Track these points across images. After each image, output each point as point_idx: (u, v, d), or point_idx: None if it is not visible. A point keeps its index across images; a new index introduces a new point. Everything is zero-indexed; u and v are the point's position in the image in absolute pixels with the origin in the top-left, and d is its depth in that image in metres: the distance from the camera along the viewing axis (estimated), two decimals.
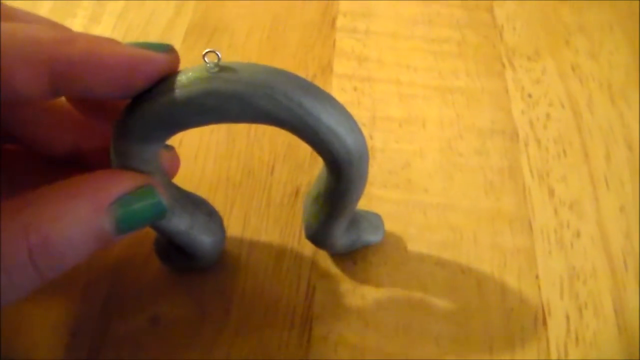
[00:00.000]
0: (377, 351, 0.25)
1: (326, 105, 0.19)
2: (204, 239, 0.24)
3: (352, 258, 0.27)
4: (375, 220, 0.27)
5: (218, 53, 0.18)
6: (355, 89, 0.34)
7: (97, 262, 0.27)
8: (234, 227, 0.28)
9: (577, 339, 0.25)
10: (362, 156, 0.21)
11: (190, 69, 0.19)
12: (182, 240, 0.24)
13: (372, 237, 0.27)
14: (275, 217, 0.29)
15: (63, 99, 0.24)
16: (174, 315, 0.26)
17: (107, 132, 0.22)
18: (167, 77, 0.19)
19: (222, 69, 0.18)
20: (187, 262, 0.26)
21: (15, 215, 0.17)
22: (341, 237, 0.26)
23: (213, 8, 0.38)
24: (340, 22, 0.37)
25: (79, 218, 0.18)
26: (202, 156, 0.31)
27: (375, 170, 0.30)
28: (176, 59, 0.20)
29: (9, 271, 0.17)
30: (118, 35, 0.37)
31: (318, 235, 0.25)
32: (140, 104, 0.19)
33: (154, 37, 0.36)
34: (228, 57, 0.35)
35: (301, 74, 0.33)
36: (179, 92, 0.18)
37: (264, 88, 0.18)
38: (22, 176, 0.25)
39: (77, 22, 0.37)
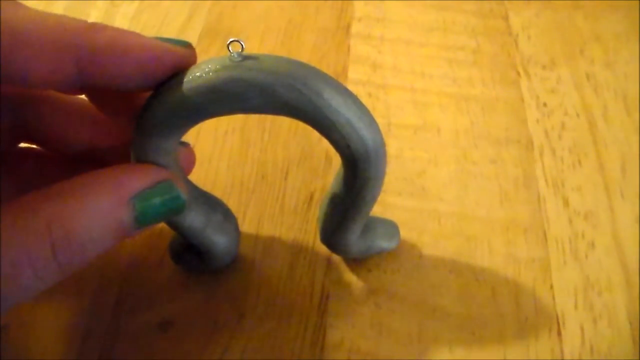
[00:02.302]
0: (391, 359, 0.25)
1: (346, 99, 0.19)
2: (218, 239, 0.24)
3: (366, 265, 0.27)
4: (390, 227, 0.27)
5: (242, 42, 0.18)
6: (369, 95, 0.34)
7: (108, 265, 0.27)
8: (247, 233, 0.28)
9: (591, 350, 0.25)
10: (379, 152, 0.21)
11: (214, 58, 0.19)
12: (197, 239, 0.24)
13: (386, 244, 0.27)
14: (289, 222, 0.29)
15: (80, 96, 0.24)
16: (186, 320, 0.26)
17: (123, 130, 0.23)
18: (194, 66, 0.19)
19: (246, 58, 0.18)
20: (200, 263, 0.26)
21: (38, 210, 0.18)
22: (356, 242, 0.25)
23: (227, 12, 0.38)
24: (355, 28, 0.37)
25: (100, 212, 0.18)
26: (216, 160, 0.31)
27: (390, 177, 0.30)
28: (194, 54, 0.20)
29: (33, 265, 0.17)
30: None
31: (333, 239, 0.25)
32: (162, 93, 0.19)
33: None
34: None
35: None
36: (202, 79, 0.18)
37: (286, 78, 0.18)
38: (35, 175, 0.25)
39: None
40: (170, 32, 0.37)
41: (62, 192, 0.18)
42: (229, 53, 0.18)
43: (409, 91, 0.34)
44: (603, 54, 0.36)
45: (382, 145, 0.21)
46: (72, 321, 0.26)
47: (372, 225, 0.26)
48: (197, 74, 0.19)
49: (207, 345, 0.25)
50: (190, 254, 0.26)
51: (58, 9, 0.38)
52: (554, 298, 0.27)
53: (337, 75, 0.34)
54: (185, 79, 0.19)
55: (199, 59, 0.35)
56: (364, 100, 0.33)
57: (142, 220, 0.20)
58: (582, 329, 0.26)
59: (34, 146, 0.25)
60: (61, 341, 0.25)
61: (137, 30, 0.36)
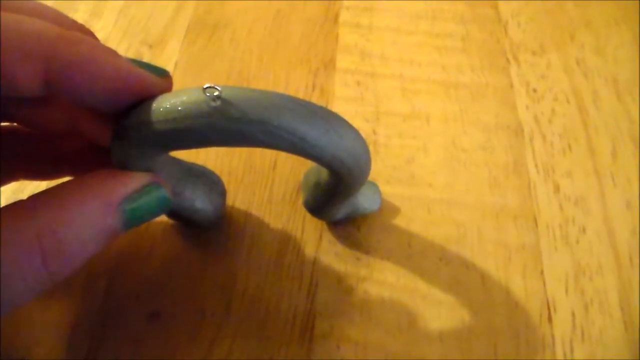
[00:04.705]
0: (380, 348, 0.25)
1: (331, 135, 0.19)
2: (205, 209, 0.25)
3: (354, 254, 0.27)
4: (372, 189, 0.28)
5: (218, 87, 0.18)
6: (358, 83, 0.33)
7: (96, 259, 0.27)
8: (235, 223, 0.28)
9: (582, 335, 0.25)
10: (364, 170, 0.22)
11: (189, 97, 0.18)
12: (184, 214, 0.25)
13: (369, 206, 0.27)
14: (277, 212, 0.29)
15: None
16: (174, 311, 0.26)
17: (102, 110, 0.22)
18: (168, 99, 0.19)
19: (223, 102, 0.18)
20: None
21: (27, 220, 0.18)
22: (339, 210, 0.26)
23: (215, 3, 0.38)
24: (343, 17, 0.37)
25: (90, 220, 0.19)
26: (204, 151, 0.31)
27: (379, 165, 0.30)
28: (169, 85, 0.20)
29: (24, 276, 0.17)
30: (119, 31, 0.36)
31: (317, 210, 0.26)
32: (139, 124, 0.19)
33: (155, 33, 0.36)
34: (230, 52, 0.35)
35: (304, 69, 0.34)
36: (181, 124, 0.18)
37: (266, 125, 0.18)
38: (20, 152, 0.25)
39: (79, 17, 0.37)
40: (158, 25, 0.37)
41: (51, 201, 0.18)
42: (204, 95, 0.18)
43: (398, 79, 0.34)
44: (593, 40, 0.35)
45: (367, 163, 0.21)
46: (61, 317, 0.26)
47: None
48: (173, 115, 0.18)
49: (195, 335, 0.25)
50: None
51: (46, 3, 0.38)
52: (544, 284, 0.26)
53: (326, 65, 0.34)
54: (160, 117, 0.18)
55: (188, 52, 0.35)
56: (353, 88, 0.33)
57: (131, 222, 0.20)
58: (573, 314, 0.26)
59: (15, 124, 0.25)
60: (50, 334, 0.25)
61: (125, 24, 0.37)
